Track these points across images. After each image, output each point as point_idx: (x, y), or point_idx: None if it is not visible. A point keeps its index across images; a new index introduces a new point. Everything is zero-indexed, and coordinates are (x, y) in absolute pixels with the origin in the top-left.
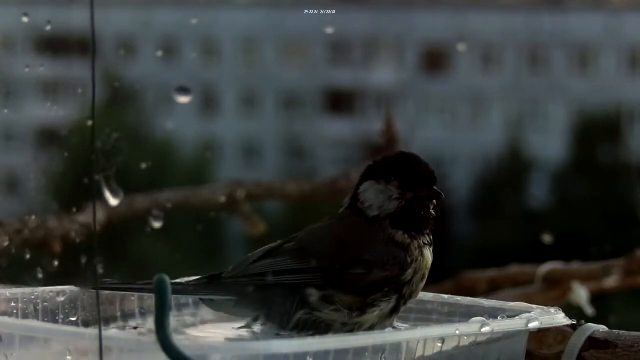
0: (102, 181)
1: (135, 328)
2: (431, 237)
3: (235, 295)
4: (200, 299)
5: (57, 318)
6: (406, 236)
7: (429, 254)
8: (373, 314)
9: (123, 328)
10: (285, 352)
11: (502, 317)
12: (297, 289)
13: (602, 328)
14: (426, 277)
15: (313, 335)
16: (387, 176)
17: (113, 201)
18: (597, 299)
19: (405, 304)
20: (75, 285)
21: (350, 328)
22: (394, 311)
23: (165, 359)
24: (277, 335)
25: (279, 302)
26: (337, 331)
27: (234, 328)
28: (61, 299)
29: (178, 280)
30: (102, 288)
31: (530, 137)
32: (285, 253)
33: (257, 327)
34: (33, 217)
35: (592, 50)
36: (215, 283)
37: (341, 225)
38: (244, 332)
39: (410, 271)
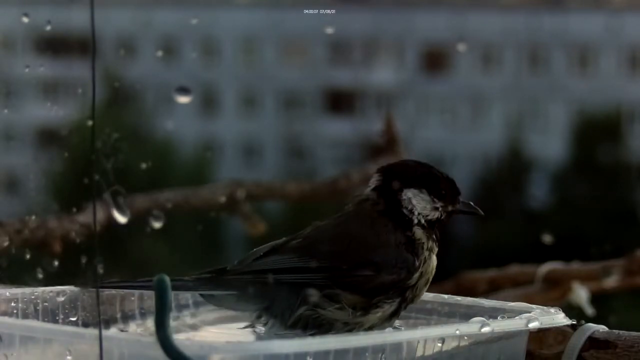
0: (109, 198)
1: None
2: (437, 244)
3: (236, 291)
4: (201, 295)
5: (57, 318)
6: (424, 235)
7: (434, 258)
8: (375, 315)
9: (123, 329)
10: (285, 352)
11: (502, 317)
12: (301, 286)
13: (602, 328)
14: (430, 281)
15: (314, 334)
16: (429, 186)
17: (121, 219)
18: (597, 299)
19: (406, 307)
20: (75, 285)
21: (351, 327)
22: (395, 314)
23: (165, 358)
24: (278, 335)
25: (282, 298)
26: (338, 330)
27: (238, 329)
28: (61, 299)
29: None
30: (102, 286)
31: (530, 137)
32: (290, 250)
33: (259, 327)
34: (33, 217)
35: (592, 50)
36: (216, 279)
37: (352, 224)
38: (245, 332)
39: (416, 275)
